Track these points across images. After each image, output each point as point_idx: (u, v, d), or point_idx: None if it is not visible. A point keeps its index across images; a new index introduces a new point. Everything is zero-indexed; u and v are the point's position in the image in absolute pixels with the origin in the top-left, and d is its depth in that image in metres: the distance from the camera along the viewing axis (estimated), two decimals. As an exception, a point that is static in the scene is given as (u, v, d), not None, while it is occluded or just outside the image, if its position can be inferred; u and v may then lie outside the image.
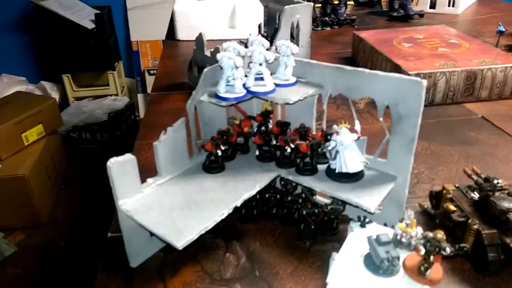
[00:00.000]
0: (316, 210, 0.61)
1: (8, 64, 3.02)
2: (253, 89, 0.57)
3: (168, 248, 0.59)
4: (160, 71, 1.33)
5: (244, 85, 0.58)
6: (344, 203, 0.61)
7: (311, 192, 0.64)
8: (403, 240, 0.48)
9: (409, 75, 0.98)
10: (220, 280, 0.55)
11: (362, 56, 1.26)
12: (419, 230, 0.46)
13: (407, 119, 0.53)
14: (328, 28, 1.67)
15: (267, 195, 0.64)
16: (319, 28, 1.67)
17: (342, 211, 0.61)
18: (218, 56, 0.54)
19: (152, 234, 0.56)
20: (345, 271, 0.47)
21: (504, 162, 0.78)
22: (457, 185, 0.60)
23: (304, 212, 0.61)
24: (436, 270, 0.45)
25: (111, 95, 2.92)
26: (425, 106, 0.99)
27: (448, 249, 0.43)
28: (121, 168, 0.50)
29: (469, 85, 1.00)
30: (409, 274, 0.46)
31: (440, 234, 0.43)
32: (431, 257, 0.44)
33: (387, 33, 1.28)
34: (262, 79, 0.59)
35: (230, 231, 0.62)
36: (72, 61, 2.82)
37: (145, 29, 2.94)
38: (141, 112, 3.06)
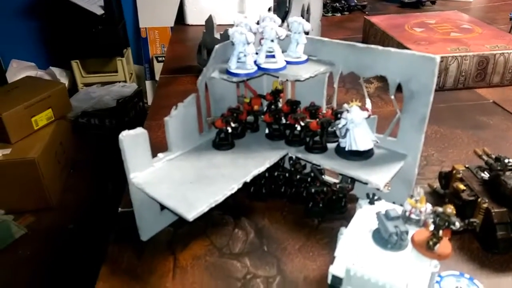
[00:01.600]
0: (324, 189, 0.61)
1: (18, 50, 3.04)
2: (264, 65, 0.57)
3: (178, 222, 0.60)
4: (169, 55, 1.34)
5: (255, 62, 0.58)
6: (352, 181, 0.61)
7: (320, 171, 0.64)
8: (413, 216, 0.48)
9: (420, 59, 0.96)
10: (229, 254, 0.55)
11: (373, 41, 1.24)
12: (429, 206, 0.46)
13: (419, 97, 0.53)
14: (339, 14, 1.66)
15: (276, 174, 0.64)
16: (330, 14, 1.65)
17: (351, 189, 0.61)
18: (230, 31, 0.54)
19: (162, 208, 0.56)
20: (354, 245, 0.47)
21: (515, 146, 0.77)
22: (467, 165, 0.60)
23: (313, 190, 0.61)
24: (445, 245, 0.45)
25: (119, 82, 2.93)
26: (436, 90, 0.98)
27: (457, 224, 0.43)
28: (133, 141, 0.51)
29: (481, 70, 0.99)
30: (418, 249, 0.46)
31: (450, 209, 0.43)
32: (440, 232, 0.44)
33: (398, 18, 1.27)
34: (273, 56, 0.58)
35: (239, 208, 0.63)
36: (81, 47, 2.83)
37: (153, 16, 2.93)
38: (149, 99, 3.07)
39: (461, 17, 1.26)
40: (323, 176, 0.64)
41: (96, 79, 2.97)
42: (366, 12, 1.66)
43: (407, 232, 0.46)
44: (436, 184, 0.64)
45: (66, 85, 2.96)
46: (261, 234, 0.59)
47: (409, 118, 0.55)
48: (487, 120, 0.87)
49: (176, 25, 1.61)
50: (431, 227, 0.45)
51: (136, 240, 0.57)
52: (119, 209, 0.63)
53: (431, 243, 0.45)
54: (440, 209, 0.44)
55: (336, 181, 0.62)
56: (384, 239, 0.47)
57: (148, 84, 3.10)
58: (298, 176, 0.63)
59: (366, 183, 0.55)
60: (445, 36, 1.09)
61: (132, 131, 0.50)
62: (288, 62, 0.59)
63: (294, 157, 0.62)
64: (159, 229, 0.58)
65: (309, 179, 0.63)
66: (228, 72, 0.57)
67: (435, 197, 0.62)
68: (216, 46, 0.58)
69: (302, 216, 0.62)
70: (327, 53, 0.60)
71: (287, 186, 0.64)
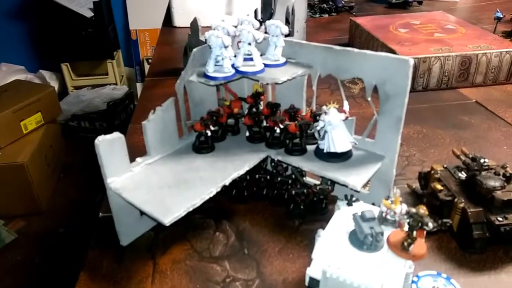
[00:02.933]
0: (305, 190, 0.61)
1: (7, 53, 3.01)
2: (242, 68, 0.57)
3: (158, 227, 0.60)
4: (156, 57, 1.33)
5: (233, 65, 0.58)
6: (333, 183, 0.61)
7: (301, 173, 0.64)
8: (388, 217, 0.49)
9: (403, 59, 0.97)
10: (209, 258, 0.55)
11: (358, 42, 1.25)
12: (404, 207, 0.47)
13: (394, 99, 0.53)
14: (326, 15, 1.66)
15: (257, 176, 0.64)
16: (317, 15, 1.66)
17: (331, 191, 0.61)
18: (206, 34, 0.54)
19: (142, 213, 0.56)
20: (330, 247, 0.48)
21: (496, 146, 0.78)
22: (445, 166, 0.61)
23: (294, 192, 0.61)
24: (420, 246, 0.46)
25: (110, 84, 2.92)
26: (419, 91, 0.99)
27: (430, 224, 0.44)
28: (109, 146, 0.51)
29: (463, 70, 1.00)
30: (393, 250, 0.46)
31: (423, 210, 0.44)
32: (414, 232, 0.45)
33: (383, 19, 1.28)
34: (251, 59, 0.59)
35: (220, 211, 0.63)
36: (71, 50, 2.81)
37: (144, 17, 2.92)
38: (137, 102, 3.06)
39: (446, 18, 1.27)
40: (304, 178, 0.65)
41: (86, 81, 2.95)
42: (354, 13, 1.67)
43: (382, 233, 0.47)
44: (416, 184, 0.64)
45: (56, 88, 2.94)
46: (242, 237, 0.59)
47: (386, 120, 0.55)
48: (469, 120, 0.88)
49: (164, 27, 1.61)
50: (406, 228, 0.45)
51: (116, 245, 0.57)
52: (100, 214, 0.63)
53: (405, 244, 0.45)
54: (413, 210, 0.44)
55: (317, 182, 0.63)
56: (360, 240, 0.47)
57: (139, 86, 3.09)
58: (279, 179, 0.63)
59: (345, 185, 0.55)
60: (428, 36, 1.10)
61: (108, 136, 0.50)
62: (266, 65, 0.59)
63: (275, 159, 0.63)
64: (139, 234, 0.58)
65: (290, 181, 0.63)
66: (205, 75, 0.57)
67: (414, 197, 0.63)
68: (194, 50, 0.58)
69: (283, 218, 0.62)
70: (305, 55, 0.60)
71: (268, 188, 0.64)
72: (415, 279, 0.50)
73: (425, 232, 0.45)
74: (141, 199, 0.50)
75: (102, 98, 2.70)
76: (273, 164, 0.65)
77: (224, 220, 0.62)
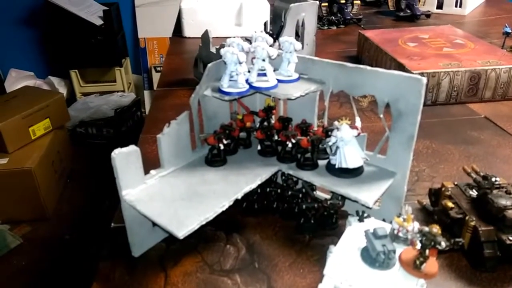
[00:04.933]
0: (316, 205, 0.62)
1: (17, 59, 3.06)
2: (255, 84, 0.58)
3: (170, 239, 0.60)
4: (166, 67, 1.35)
5: (247, 80, 0.59)
6: (343, 198, 0.61)
7: (312, 187, 0.64)
8: (400, 234, 0.49)
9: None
10: (220, 271, 0.56)
11: (367, 56, 1.26)
12: (416, 224, 0.47)
13: (407, 116, 0.54)
14: (334, 27, 1.68)
15: (268, 190, 0.65)
16: (325, 27, 1.67)
17: (342, 206, 0.62)
18: (222, 51, 0.55)
19: (154, 224, 0.57)
20: (342, 263, 0.48)
21: (506, 162, 0.78)
22: (456, 183, 0.61)
23: (304, 206, 0.62)
24: (432, 264, 0.46)
25: (118, 91, 2.94)
26: (428, 105, 0.99)
27: (443, 243, 0.44)
28: (125, 159, 0.51)
29: (473, 85, 1.00)
30: (405, 268, 0.46)
31: (436, 229, 0.44)
32: (427, 251, 0.45)
33: (392, 33, 1.29)
34: (265, 75, 0.60)
35: (231, 224, 0.64)
36: (80, 57, 2.85)
37: (152, 26, 2.96)
38: (147, 109, 3.08)
39: (455, 32, 1.28)
40: (314, 193, 0.65)
41: (94, 88, 2.98)
42: (362, 26, 1.68)
43: (394, 251, 0.47)
44: (426, 201, 0.64)
45: (65, 94, 2.98)
46: (253, 251, 0.59)
47: (398, 137, 0.55)
48: (478, 135, 0.88)
49: (174, 37, 1.63)
50: (418, 246, 0.46)
51: (128, 256, 0.58)
52: (112, 224, 0.63)
53: (418, 262, 0.45)
54: (426, 229, 0.45)
55: (328, 197, 0.63)
56: (372, 257, 0.47)
57: (146, 93, 3.12)
58: (290, 192, 0.64)
59: (356, 201, 0.55)
60: (437, 51, 1.10)
61: (124, 149, 0.51)
62: (279, 81, 0.60)
63: (286, 173, 0.63)
64: (151, 245, 0.59)
65: (300, 195, 0.64)
66: (220, 90, 0.58)
67: (425, 214, 0.63)
68: (209, 65, 0.59)
69: (293, 232, 0.62)
70: (317, 72, 0.61)
71: (279, 202, 0.65)
72: (426, 297, 0.50)
73: (437, 251, 0.46)
74: (155, 211, 0.51)
75: (109, 105, 2.72)
76: (283, 177, 0.65)
77: (234, 233, 0.62)
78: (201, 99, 0.61)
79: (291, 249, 0.59)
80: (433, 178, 0.74)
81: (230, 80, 0.58)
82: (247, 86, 0.58)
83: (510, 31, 1.30)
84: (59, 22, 2.72)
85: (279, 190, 0.65)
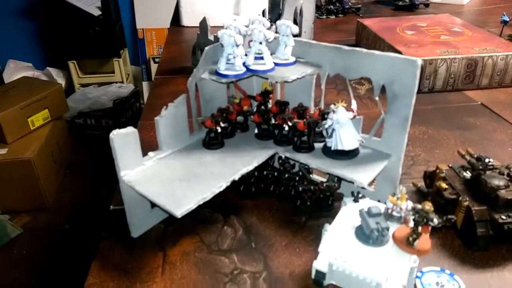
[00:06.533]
0: (312, 187, 0.63)
1: (15, 50, 3.04)
2: (252, 67, 0.59)
3: (168, 220, 0.61)
4: (165, 56, 1.35)
5: (244, 63, 0.59)
6: (339, 180, 0.62)
7: (308, 170, 0.65)
8: (394, 213, 0.50)
9: (410, 61, 0.98)
10: (217, 251, 0.57)
11: (365, 43, 1.26)
12: (409, 203, 0.48)
13: (402, 98, 0.54)
14: (333, 17, 1.68)
15: (265, 173, 0.65)
16: (324, 16, 1.67)
17: (337, 188, 0.63)
18: (219, 33, 0.56)
19: (153, 205, 0.58)
20: (336, 241, 0.49)
21: (501, 147, 0.79)
22: (450, 165, 0.62)
23: (300, 188, 0.63)
24: (425, 241, 0.47)
25: (116, 83, 2.94)
26: (425, 92, 1.00)
27: (435, 220, 0.45)
28: (123, 140, 0.52)
29: (469, 73, 1.01)
30: (398, 245, 0.47)
31: (428, 206, 0.45)
32: (419, 228, 0.46)
33: (390, 21, 1.29)
34: (262, 58, 0.60)
35: (228, 207, 0.64)
36: (78, 47, 2.84)
37: (150, 17, 2.94)
38: (146, 100, 3.08)
39: (453, 21, 1.28)
40: (311, 175, 0.66)
41: (93, 79, 2.98)
42: (360, 15, 1.68)
43: (387, 228, 0.48)
44: (421, 183, 0.65)
45: (63, 85, 2.97)
46: (250, 231, 0.60)
47: (393, 119, 0.56)
48: (474, 121, 0.89)
49: (172, 27, 1.63)
50: (411, 224, 0.47)
51: (127, 237, 0.58)
52: (111, 206, 0.64)
53: (411, 239, 0.46)
54: (419, 206, 0.45)
55: (324, 180, 0.64)
56: (366, 235, 0.48)
57: (145, 85, 3.11)
58: (286, 175, 0.65)
59: (351, 182, 0.56)
60: (435, 39, 1.11)
61: (122, 130, 0.52)
62: (276, 64, 0.60)
63: (283, 156, 0.64)
64: (149, 226, 0.60)
65: (297, 178, 0.64)
66: (217, 73, 0.58)
67: (419, 196, 0.64)
68: (206, 48, 0.59)
69: (290, 214, 0.63)
70: (314, 55, 0.61)
71: (276, 185, 0.66)
72: (419, 274, 0.51)
73: (430, 228, 0.46)
74: (153, 192, 0.52)
75: (108, 96, 2.72)
76: (280, 161, 0.66)
77: (232, 215, 0.63)
78: (198, 83, 0.62)
79: (287, 230, 0.60)
80: (428, 162, 0.74)
81: (227, 63, 0.58)
82: (244, 69, 0.58)
83: (508, 19, 1.30)
84: (57, 13, 2.70)
85: (276, 173, 0.65)
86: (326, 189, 0.62)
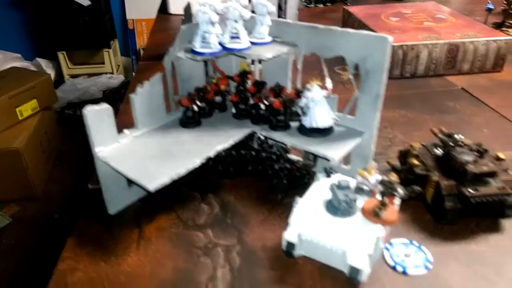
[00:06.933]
0: (288, 165, 0.63)
1: (4, 41, 3.01)
2: (228, 45, 0.59)
3: (145, 198, 0.62)
4: (150, 42, 1.35)
5: (220, 43, 0.60)
6: (315, 159, 0.63)
7: (285, 149, 0.66)
8: (364, 187, 0.51)
9: (392, 47, 0.99)
10: (193, 226, 0.58)
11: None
12: (377, 176, 0.49)
13: (374, 75, 0.55)
14: (321, 5, 1.68)
15: (243, 152, 0.66)
16: (312, 5, 1.67)
17: (313, 166, 0.63)
18: (194, 11, 0.56)
19: (129, 183, 0.58)
20: (306, 213, 0.50)
21: (478, 129, 0.80)
22: (424, 144, 0.63)
23: (277, 166, 0.63)
24: (391, 212, 0.48)
25: (106, 73, 2.92)
26: (407, 77, 1.01)
27: (400, 191, 0.46)
28: (97, 116, 0.52)
29: (451, 58, 1.02)
30: (366, 216, 0.48)
31: (394, 177, 0.46)
32: (386, 199, 0.47)
33: (376, 8, 1.29)
34: (238, 37, 0.60)
35: (207, 186, 0.65)
36: (68, 38, 2.81)
37: (140, 7, 2.93)
38: (130, 85, 3.06)
39: (439, 8, 1.29)
40: (288, 155, 0.67)
41: (83, 70, 2.96)
42: (348, 4, 1.68)
43: (355, 200, 0.49)
44: (396, 162, 0.66)
45: (53, 76, 2.94)
46: (226, 209, 0.61)
47: (365, 97, 0.57)
48: (454, 105, 0.90)
49: (160, 14, 1.62)
50: (378, 195, 0.48)
51: (104, 214, 0.59)
52: (89, 185, 0.64)
53: (377, 210, 0.48)
54: (385, 178, 0.46)
55: (301, 159, 0.65)
56: (335, 207, 0.49)
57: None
58: (264, 154, 0.65)
59: (327, 160, 0.57)
60: (418, 25, 1.11)
61: (96, 106, 0.52)
62: (252, 43, 0.61)
63: (262, 137, 0.65)
64: (126, 204, 0.60)
65: (274, 157, 0.65)
66: (192, 51, 0.58)
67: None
68: (182, 27, 0.60)
69: (267, 192, 0.64)
70: (290, 35, 0.62)
71: (254, 164, 0.66)
72: (389, 246, 0.52)
73: (396, 199, 0.48)
74: (127, 167, 0.52)
75: (98, 86, 2.71)
76: (259, 141, 0.67)
77: (210, 194, 0.64)
78: (175, 62, 0.62)
79: (263, 207, 0.61)
80: (405, 143, 0.75)
81: (203, 42, 0.58)
82: (219, 47, 0.59)
83: (492, 7, 1.31)
84: (47, 3, 2.68)
85: (253, 153, 0.66)
86: (302, 168, 0.63)
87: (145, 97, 0.58)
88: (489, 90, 0.96)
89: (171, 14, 1.56)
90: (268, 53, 0.59)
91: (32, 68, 3.01)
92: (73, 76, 2.94)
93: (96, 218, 0.59)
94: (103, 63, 2.94)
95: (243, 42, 0.60)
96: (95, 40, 2.84)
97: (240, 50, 0.59)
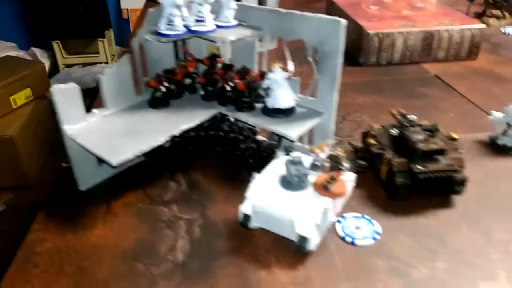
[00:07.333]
0: (253, 145, 0.66)
1: (-1, 30, 3.02)
2: (193, 28, 0.61)
3: (117, 176, 0.65)
4: (135, 29, 1.36)
5: (187, 26, 0.62)
6: (279, 139, 0.66)
7: (253, 131, 0.69)
8: (317, 163, 0.53)
9: (368, 34, 1.01)
10: (159, 202, 0.60)
11: (332, 19, 1.28)
12: (328, 152, 0.52)
13: (331, 58, 0.57)
14: (308, -5, 1.69)
15: (211, 133, 0.69)
16: (299, -5, 1.68)
17: (277, 146, 0.66)
18: (160, -6, 0.58)
19: (100, 161, 0.61)
20: (262, 187, 0.53)
21: (444, 113, 0.83)
22: (383, 125, 0.65)
23: (243, 146, 0.66)
24: (340, 186, 0.51)
25: (101, 63, 2.94)
26: (383, 65, 1.03)
27: (346, 164, 0.49)
28: (64, 94, 0.55)
29: (426, 46, 1.04)
30: (316, 189, 0.51)
31: (340, 152, 0.49)
32: (334, 174, 0.50)
33: (358, -3, 1.31)
34: (204, 21, 0.62)
35: (176, 165, 0.68)
36: (62, 28, 2.83)
37: (135, -3, 2.93)
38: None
39: (420, -3, 1.30)
40: (256, 136, 0.69)
41: (77, 60, 2.97)
42: (335, -7, 1.69)
43: (307, 175, 0.52)
44: (359, 143, 0.69)
45: (48, 66, 2.96)
46: (193, 186, 0.64)
47: (324, 79, 0.59)
48: (425, 91, 0.92)
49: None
50: (328, 170, 0.50)
51: (75, 190, 0.62)
52: (63, 164, 0.67)
53: (326, 184, 0.50)
54: (332, 153, 0.49)
55: (266, 139, 0.67)
56: (288, 181, 0.52)
57: (130, 66, 3.11)
58: (231, 135, 0.68)
59: (288, 139, 0.59)
60: (397, 13, 1.13)
61: (63, 85, 0.55)
62: (218, 26, 0.63)
63: (231, 119, 0.67)
64: (97, 181, 0.63)
65: (242, 138, 0.68)
66: (158, 33, 0.61)
67: (355, 154, 0.68)
68: (150, 10, 0.62)
69: (233, 171, 0.67)
70: (255, 19, 0.64)
71: (223, 145, 0.69)
72: (341, 219, 0.55)
73: (342, 172, 0.50)
74: (93, 143, 0.55)
75: (92, 76, 2.72)
76: (228, 123, 0.69)
77: (179, 173, 0.67)
78: (144, 44, 0.65)
79: (228, 185, 0.64)
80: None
81: (168, 24, 0.61)
82: (184, 29, 0.61)
83: (474, -3, 1.33)
84: (41, -8, 2.68)
85: (222, 134, 0.69)
86: (267, 147, 0.66)
87: (113, 77, 0.61)
88: (461, 77, 0.98)
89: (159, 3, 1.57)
90: (231, 36, 0.61)
91: (28, 57, 3.02)
92: (68, 66, 2.96)
93: (68, 194, 0.62)
94: (98, 52, 2.95)
95: (208, 25, 0.62)
96: (89, 29, 2.85)
97: (204, 32, 0.61)
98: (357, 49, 1.06)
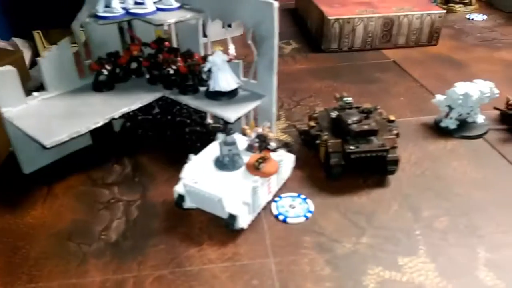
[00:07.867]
0: (198, 128, 0.67)
1: (-24, 19, 2.97)
2: (132, 10, 0.61)
3: (62, 160, 0.65)
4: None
5: (125, 8, 0.62)
6: (226, 123, 0.67)
7: (201, 115, 0.69)
8: (248, 142, 0.54)
9: (329, 20, 1.02)
10: (101, 184, 0.61)
11: (300, 5, 1.29)
12: (258, 132, 0.53)
13: (267, 40, 0.58)
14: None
15: (158, 117, 0.69)
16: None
17: (224, 129, 0.67)
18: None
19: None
20: (196, 168, 0.54)
21: (395, 97, 0.84)
22: (326, 108, 0.66)
23: (188, 129, 0.67)
24: (271, 165, 0.52)
25: (81, 53, 2.91)
26: (345, 51, 1.04)
27: (273, 144, 0.50)
28: (1, 77, 0.55)
29: (386, 32, 1.05)
30: (248, 169, 0.52)
31: (267, 131, 0.50)
32: (264, 153, 0.51)
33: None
34: (144, 3, 0.63)
35: (123, 149, 0.68)
36: (43, 17, 2.78)
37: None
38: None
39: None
40: (205, 120, 0.70)
41: (57, 50, 2.94)
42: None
43: (238, 155, 0.53)
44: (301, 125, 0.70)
45: (29, 56, 2.92)
46: (137, 169, 0.64)
47: (262, 61, 0.60)
48: (380, 76, 0.93)
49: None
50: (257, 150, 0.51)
51: (19, 173, 0.62)
52: (10, 148, 0.67)
53: (257, 163, 0.51)
54: (260, 132, 0.50)
55: (212, 122, 0.68)
56: (221, 162, 0.53)
57: (111, 56, 3.08)
58: (178, 119, 0.69)
59: (227, 122, 0.60)
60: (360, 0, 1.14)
61: (0, 68, 0.54)
62: (159, 9, 0.63)
63: (182, 104, 0.68)
64: (42, 164, 0.64)
65: (188, 121, 0.69)
66: (95, 15, 0.61)
67: (298, 136, 0.69)
68: (90, -7, 0.62)
69: (179, 155, 0.67)
70: (197, 1, 0.64)
71: (172, 129, 0.70)
72: (277, 199, 0.56)
73: (270, 152, 0.51)
74: (28, 125, 0.55)
75: (71, 66, 2.69)
76: (178, 106, 0.70)
77: (125, 157, 0.67)
78: (86, 27, 0.65)
79: (172, 168, 0.64)
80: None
81: (106, 7, 0.61)
82: (122, 11, 0.61)
83: (441, -16, 1.34)
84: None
85: (169, 117, 0.69)
86: (212, 130, 0.67)
87: (53, 61, 0.61)
88: (418, 63, 0.99)
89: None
90: (171, 18, 0.61)
91: (9, 48, 2.98)
92: (47, 56, 2.92)
93: (11, 176, 0.63)
94: (78, 42, 2.92)
95: (148, 7, 0.62)
96: (71, 19, 2.82)
97: (143, 15, 0.61)
98: (320, 36, 1.06)
